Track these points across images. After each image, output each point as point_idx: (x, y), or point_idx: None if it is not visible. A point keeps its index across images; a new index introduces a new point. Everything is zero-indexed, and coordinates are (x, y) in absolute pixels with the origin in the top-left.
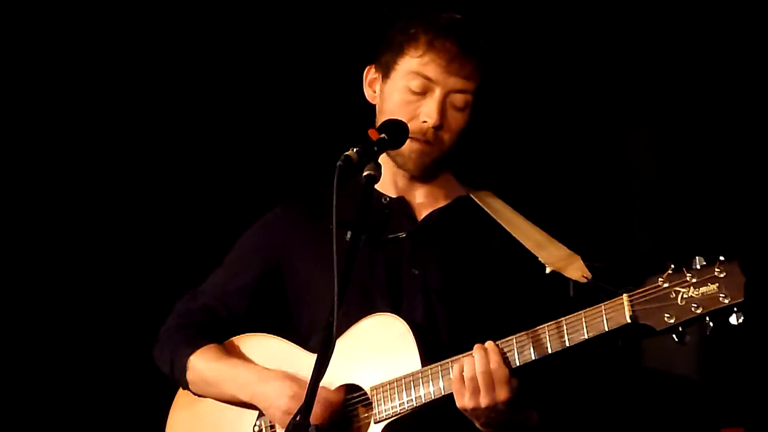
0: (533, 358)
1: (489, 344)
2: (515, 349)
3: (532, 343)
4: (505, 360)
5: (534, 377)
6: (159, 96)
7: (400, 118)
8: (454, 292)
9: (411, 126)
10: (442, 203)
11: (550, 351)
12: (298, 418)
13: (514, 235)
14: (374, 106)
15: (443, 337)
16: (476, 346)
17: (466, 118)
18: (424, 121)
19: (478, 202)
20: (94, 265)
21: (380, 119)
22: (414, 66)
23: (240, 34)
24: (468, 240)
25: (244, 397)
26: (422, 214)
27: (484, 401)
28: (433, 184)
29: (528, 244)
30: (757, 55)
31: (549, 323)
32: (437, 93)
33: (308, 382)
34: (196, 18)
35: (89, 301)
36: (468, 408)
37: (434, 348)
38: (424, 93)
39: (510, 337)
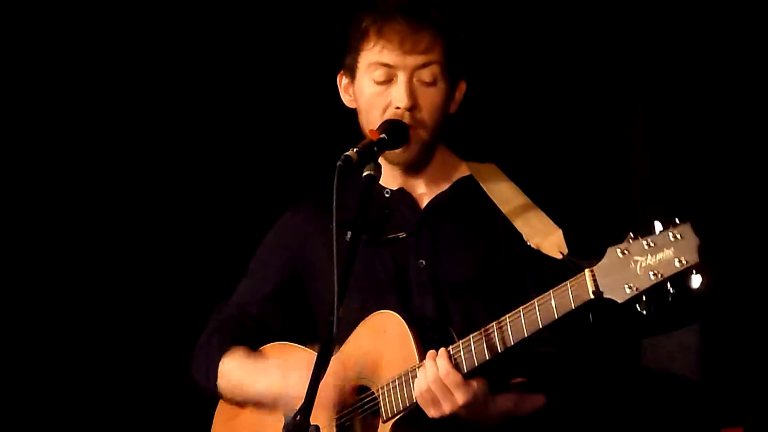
0: (513, 343)
1: (441, 351)
2: (462, 351)
3: (497, 332)
4: (456, 365)
5: (530, 360)
6: (174, 104)
7: (382, 115)
8: (461, 281)
9: (387, 115)
10: (443, 187)
11: (526, 334)
12: (298, 418)
13: (506, 215)
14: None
15: (456, 327)
16: (428, 355)
17: (441, 91)
18: (397, 107)
19: (479, 181)
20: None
21: (361, 120)
22: (372, 58)
23: (246, 38)
24: (471, 224)
25: (269, 394)
26: (424, 202)
27: (446, 408)
28: (432, 167)
29: (518, 223)
30: (756, 53)
31: (525, 305)
32: (401, 76)
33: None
34: (204, 22)
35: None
36: (437, 417)
37: (436, 339)
38: (390, 80)
39: (474, 333)
